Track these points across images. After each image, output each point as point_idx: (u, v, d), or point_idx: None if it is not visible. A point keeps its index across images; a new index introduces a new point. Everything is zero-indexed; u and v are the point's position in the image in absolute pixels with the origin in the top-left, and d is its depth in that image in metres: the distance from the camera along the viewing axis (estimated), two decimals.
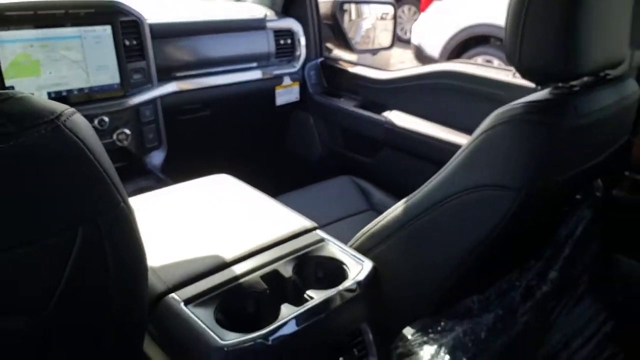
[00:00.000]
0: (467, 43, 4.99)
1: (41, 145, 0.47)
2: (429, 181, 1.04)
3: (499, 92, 1.57)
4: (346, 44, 2.35)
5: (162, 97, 1.76)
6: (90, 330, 0.63)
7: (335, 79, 2.22)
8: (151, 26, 1.68)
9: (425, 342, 0.96)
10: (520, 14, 0.86)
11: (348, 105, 2.09)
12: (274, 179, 2.15)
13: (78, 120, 0.52)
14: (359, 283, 0.95)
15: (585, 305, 1.24)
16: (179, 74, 1.83)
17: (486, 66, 1.87)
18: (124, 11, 1.61)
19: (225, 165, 1.45)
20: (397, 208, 1.07)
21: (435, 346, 0.95)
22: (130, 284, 0.64)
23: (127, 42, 1.62)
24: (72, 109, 0.52)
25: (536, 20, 0.85)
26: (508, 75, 1.60)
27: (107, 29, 1.57)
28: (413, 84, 1.87)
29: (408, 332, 1.00)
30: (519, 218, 0.92)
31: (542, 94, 0.95)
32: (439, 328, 0.99)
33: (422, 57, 5.35)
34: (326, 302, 0.91)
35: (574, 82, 0.95)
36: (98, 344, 0.64)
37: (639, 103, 1.08)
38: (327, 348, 0.98)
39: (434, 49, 5.21)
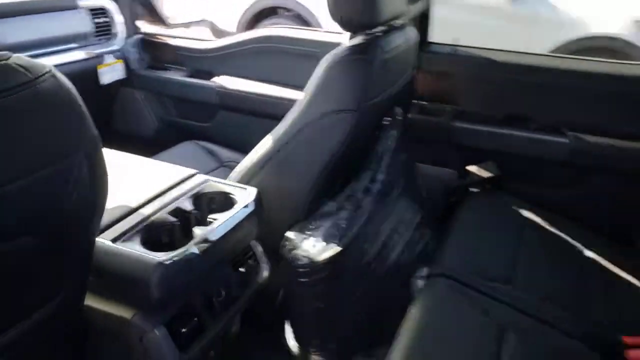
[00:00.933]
0: (258, 17, 5.33)
1: (51, 90, 0.59)
2: (284, 119, 1.31)
3: (314, 49, 1.91)
4: (159, 19, 2.44)
5: None
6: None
7: (158, 53, 2.31)
8: None
9: (304, 238, 1.26)
10: None
11: (177, 76, 2.21)
12: None
13: (59, 73, 0.64)
14: (247, 206, 1.19)
15: (404, 201, 1.67)
16: None
17: (300, 28, 2.19)
18: None
19: None
20: (264, 144, 1.33)
21: (312, 239, 1.25)
22: (92, 209, 0.77)
23: None
24: (50, 65, 0.64)
25: None
26: (320, 34, 1.95)
27: None
28: (238, 50, 2.09)
29: (290, 234, 1.28)
30: (356, 133, 1.27)
31: (357, 39, 1.29)
32: (311, 227, 1.29)
33: (217, 32, 5.53)
34: (227, 221, 1.13)
35: (375, 30, 1.32)
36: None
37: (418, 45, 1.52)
38: (229, 262, 1.21)
39: (229, 23, 5.42)
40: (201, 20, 2.61)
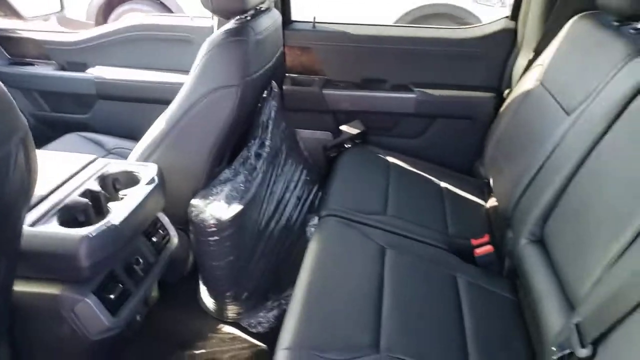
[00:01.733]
0: (110, 3, 5.11)
1: None
2: (174, 100, 1.44)
3: (184, 34, 2.02)
4: (13, 12, 2.34)
5: None
6: None
7: (20, 48, 2.23)
8: None
9: (209, 203, 1.42)
10: None
11: (46, 70, 2.18)
12: None
13: None
14: (151, 180, 1.32)
15: (290, 164, 1.89)
16: None
17: (170, 15, 2.27)
18: None
19: None
20: (158, 125, 1.45)
21: (215, 202, 1.42)
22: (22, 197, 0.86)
23: None
24: None
25: None
26: (187, 19, 2.06)
27: None
28: (110, 40, 2.12)
29: (195, 202, 1.43)
30: (241, 105, 1.44)
31: (230, 24, 1.46)
32: (213, 193, 1.46)
33: (65, 21, 5.20)
34: (136, 195, 1.25)
35: (246, 15, 1.50)
36: None
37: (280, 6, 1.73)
38: (142, 233, 1.33)
39: (77, 11, 5.13)
40: (60, 10, 2.53)
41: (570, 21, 1.61)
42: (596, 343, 0.90)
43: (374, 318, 1.17)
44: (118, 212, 1.17)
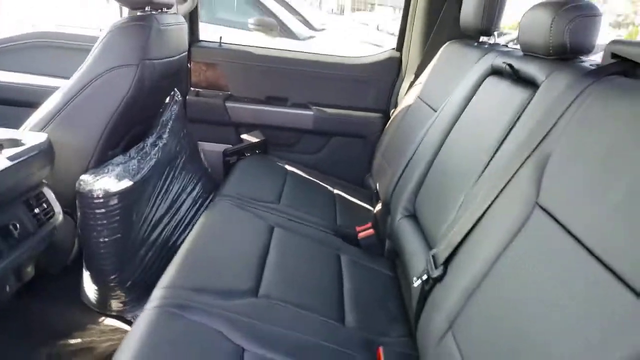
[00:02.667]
0: None
1: None
2: (71, 77, 1.48)
3: (89, 43, 2.07)
4: None
5: None
6: None
7: None
8: None
9: (99, 178, 1.42)
10: None
11: None
12: None
13: None
14: (36, 145, 1.31)
15: (188, 169, 1.93)
16: None
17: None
18: None
19: None
20: (53, 99, 1.46)
21: (106, 178, 1.42)
22: None
23: None
24: None
25: None
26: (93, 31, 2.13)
27: None
28: (12, 45, 2.12)
29: (85, 176, 1.42)
30: (139, 88, 1.50)
31: (136, 15, 1.56)
32: (105, 170, 1.46)
33: None
34: (17, 153, 1.23)
35: (152, 10, 1.61)
36: None
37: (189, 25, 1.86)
38: (23, 200, 1.30)
39: None
40: None
41: (443, 47, 1.89)
42: (446, 263, 1.02)
43: (256, 272, 1.22)
44: None
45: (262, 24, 3.90)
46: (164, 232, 1.71)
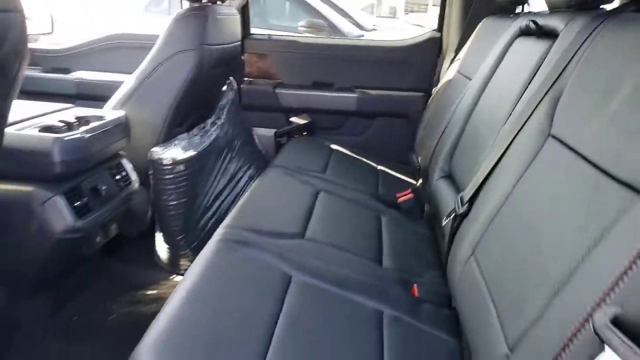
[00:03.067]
0: None
1: None
2: (143, 62, 1.71)
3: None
4: None
5: None
6: None
7: None
8: None
9: (167, 149, 1.64)
10: None
11: (32, 72, 2.43)
12: None
13: None
14: (116, 118, 1.54)
15: (244, 151, 2.13)
16: None
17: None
18: None
19: None
20: (128, 82, 1.70)
21: (173, 149, 1.64)
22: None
23: None
24: None
25: None
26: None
27: None
28: (91, 48, 2.42)
29: (155, 148, 1.64)
30: (198, 71, 1.71)
31: (195, 5, 1.78)
32: (172, 143, 1.68)
33: None
34: (102, 123, 1.47)
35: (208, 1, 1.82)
36: None
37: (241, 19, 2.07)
38: (106, 167, 1.53)
39: None
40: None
41: (480, 24, 1.98)
42: (471, 200, 1.13)
43: (303, 221, 1.37)
44: (86, 129, 1.39)
45: (311, 25, 4.07)
46: (224, 203, 1.90)
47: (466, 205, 1.13)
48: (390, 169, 2.12)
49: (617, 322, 0.50)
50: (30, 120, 1.39)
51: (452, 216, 1.18)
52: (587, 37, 0.97)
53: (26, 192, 1.28)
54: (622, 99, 0.75)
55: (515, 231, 0.90)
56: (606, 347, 0.50)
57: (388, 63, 2.34)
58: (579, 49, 0.98)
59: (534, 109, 1.02)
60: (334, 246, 1.29)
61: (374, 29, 5.58)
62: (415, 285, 1.21)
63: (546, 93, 1.01)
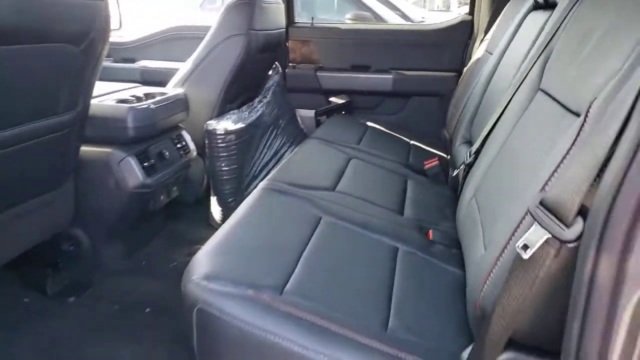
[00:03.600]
0: None
1: None
2: (199, 46, 1.97)
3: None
4: None
5: None
6: None
7: None
8: None
9: (220, 121, 1.88)
10: None
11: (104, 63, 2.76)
12: None
13: None
14: (175, 95, 1.80)
15: (288, 130, 2.36)
16: None
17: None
18: None
19: None
20: (187, 64, 1.96)
21: (224, 121, 1.88)
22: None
23: None
24: None
25: None
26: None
27: None
28: (153, 40, 2.72)
29: (210, 121, 1.90)
30: (247, 54, 1.95)
31: None
32: (226, 117, 1.93)
33: None
34: (166, 96, 1.73)
35: None
36: None
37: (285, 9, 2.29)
38: (169, 137, 1.80)
39: None
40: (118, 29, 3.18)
41: (507, 5, 2.11)
42: (477, 152, 1.29)
43: (335, 179, 1.57)
44: (153, 101, 1.65)
45: (358, 17, 4.25)
46: (270, 173, 2.13)
47: (473, 156, 1.30)
48: (422, 143, 2.28)
49: (543, 203, 0.67)
50: (108, 95, 1.67)
51: (461, 167, 1.34)
52: (576, 2, 1.12)
53: (106, 153, 1.55)
54: (590, 47, 0.90)
55: (505, 170, 1.07)
56: (535, 222, 0.67)
57: (422, 46, 2.50)
58: (568, 13, 1.12)
59: (530, 69, 1.18)
60: (361, 198, 1.48)
61: (422, 22, 5.69)
62: (430, 231, 1.38)
63: (540, 54, 1.16)
